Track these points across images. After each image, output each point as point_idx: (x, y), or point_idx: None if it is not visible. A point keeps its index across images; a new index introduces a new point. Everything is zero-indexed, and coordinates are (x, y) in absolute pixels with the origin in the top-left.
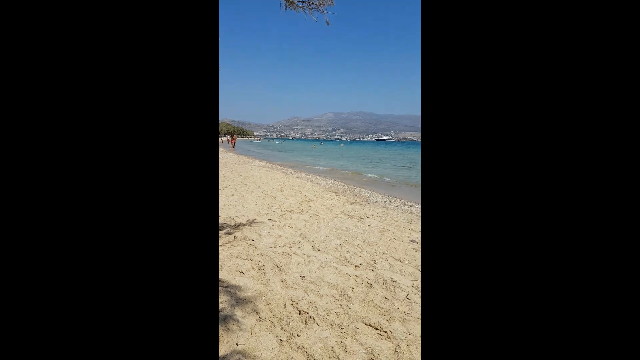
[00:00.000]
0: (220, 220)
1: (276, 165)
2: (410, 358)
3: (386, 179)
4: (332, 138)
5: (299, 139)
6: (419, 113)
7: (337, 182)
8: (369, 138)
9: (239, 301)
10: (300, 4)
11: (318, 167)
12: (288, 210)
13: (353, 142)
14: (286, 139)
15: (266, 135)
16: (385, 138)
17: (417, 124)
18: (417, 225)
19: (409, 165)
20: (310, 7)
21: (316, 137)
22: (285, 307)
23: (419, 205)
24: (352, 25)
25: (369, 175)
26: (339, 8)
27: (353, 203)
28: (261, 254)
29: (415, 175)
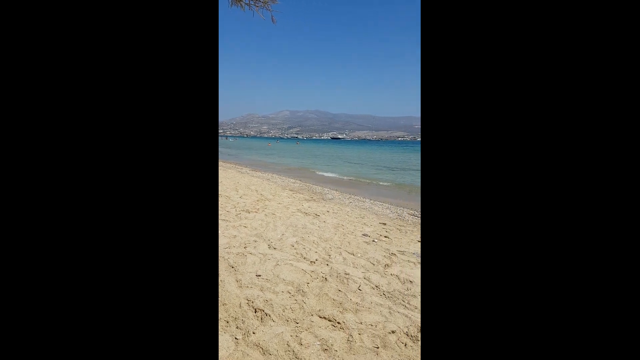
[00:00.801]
0: None
1: (230, 164)
2: (361, 345)
3: (343, 177)
4: (288, 136)
5: (255, 137)
6: (372, 112)
7: (294, 180)
8: (325, 136)
9: None
10: (247, 0)
11: (275, 165)
12: (243, 210)
13: (309, 140)
14: (241, 136)
15: (219, 133)
16: (340, 137)
17: (371, 122)
18: (369, 220)
19: (362, 162)
20: (257, 4)
21: (272, 135)
22: (240, 306)
23: (371, 201)
24: (305, 23)
25: (326, 174)
26: (293, 6)
27: (309, 200)
28: None
29: (367, 171)
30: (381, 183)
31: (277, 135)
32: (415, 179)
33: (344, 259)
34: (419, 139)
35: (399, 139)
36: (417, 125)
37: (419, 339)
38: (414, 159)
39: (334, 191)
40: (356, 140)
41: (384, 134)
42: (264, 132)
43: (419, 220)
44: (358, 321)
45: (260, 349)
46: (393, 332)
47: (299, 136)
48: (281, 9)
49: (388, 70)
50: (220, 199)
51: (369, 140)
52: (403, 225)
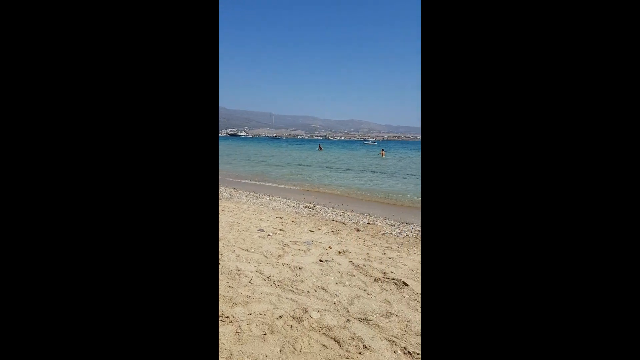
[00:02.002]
0: None
1: None
2: (249, 335)
3: (244, 180)
4: None
5: None
6: (272, 110)
7: None
8: (223, 133)
9: None
10: None
11: None
12: None
13: None
14: None
15: None
16: (239, 134)
17: (270, 120)
18: (266, 215)
19: (264, 160)
20: None
21: None
22: None
23: (270, 197)
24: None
25: (224, 171)
26: None
27: None
28: None
29: (265, 169)
30: (283, 179)
31: None
32: (313, 173)
33: (237, 255)
34: (317, 137)
35: (298, 137)
36: (314, 124)
37: (304, 319)
38: (312, 156)
39: (232, 189)
40: (257, 138)
41: (284, 132)
42: None
43: (313, 212)
44: (247, 312)
45: None
46: (280, 317)
47: None
48: None
49: (288, 67)
50: None
51: (270, 137)
52: (298, 218)
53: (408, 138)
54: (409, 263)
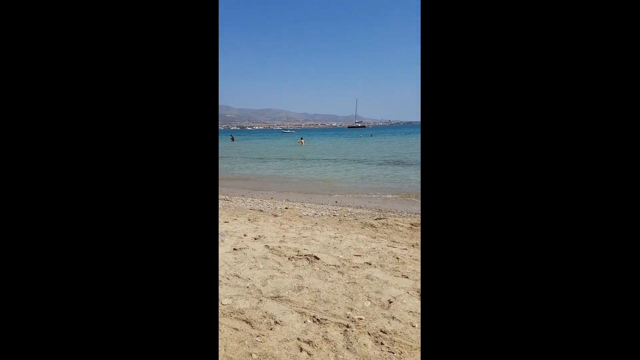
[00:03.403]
0: None
1: None
2: None
3: None
4: None
5: None
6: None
7: None
8: None
9: None
10: None
11: None
12: None
13: None
14: None
15: None
16: None
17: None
18: None
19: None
20: None
21: None
22: None
23: None
24: None
25: None
26: None
27: None
28: None
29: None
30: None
31: None
32: (231, 163)
33: None
34: (233, 127)
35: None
36: (229, 114)
37: None
38: (229, 147)
39: None
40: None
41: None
42: None
43: (229, 203)
44: None
45: None
46: None
47: None
48: None
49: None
50: None
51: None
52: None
53: (324, 125)
54: (321, 239)
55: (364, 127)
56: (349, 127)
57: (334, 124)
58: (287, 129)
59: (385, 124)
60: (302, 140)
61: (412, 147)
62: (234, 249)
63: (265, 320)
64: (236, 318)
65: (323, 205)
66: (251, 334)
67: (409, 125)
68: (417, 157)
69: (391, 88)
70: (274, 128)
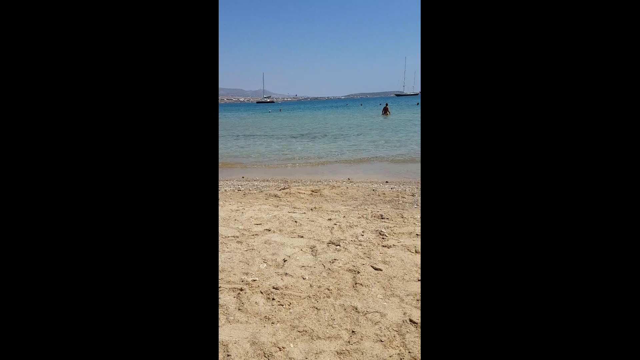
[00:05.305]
0: None
1: None
2: None
3: None
4: None
5: None
6: None
7: None
8: None
9: None
10: None
11: None
12: None
13: None
14: None
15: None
16: None
17: None
18: None
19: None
20: None
21: None
22: None
23: None
24: None
25: None
26: None
27: None
28: None
29: None
30: None
31: None
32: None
33: None
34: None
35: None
36: None
37: None
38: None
39: None
40: None
41: None
42: None
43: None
44: None
45: None
46: None
47: None
48: None
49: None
50: None
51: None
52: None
53: (231, 100)
54: (222, 214)
55: (272, 102)
56: (257, 102)
57: (242, 99)
58: None
59: (293, 99)
60: None
61: (322, 122)
62: None
63: None
64: None
65: (228, 182)
66: None
67: (315, 100)
68: (327, 131)
69: (298, 63)
70: None
